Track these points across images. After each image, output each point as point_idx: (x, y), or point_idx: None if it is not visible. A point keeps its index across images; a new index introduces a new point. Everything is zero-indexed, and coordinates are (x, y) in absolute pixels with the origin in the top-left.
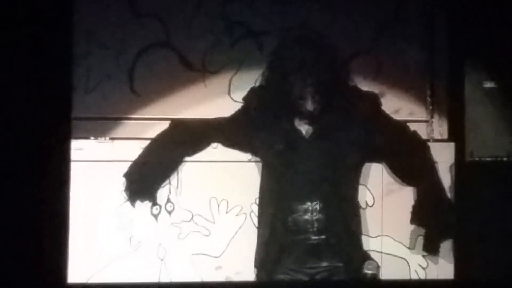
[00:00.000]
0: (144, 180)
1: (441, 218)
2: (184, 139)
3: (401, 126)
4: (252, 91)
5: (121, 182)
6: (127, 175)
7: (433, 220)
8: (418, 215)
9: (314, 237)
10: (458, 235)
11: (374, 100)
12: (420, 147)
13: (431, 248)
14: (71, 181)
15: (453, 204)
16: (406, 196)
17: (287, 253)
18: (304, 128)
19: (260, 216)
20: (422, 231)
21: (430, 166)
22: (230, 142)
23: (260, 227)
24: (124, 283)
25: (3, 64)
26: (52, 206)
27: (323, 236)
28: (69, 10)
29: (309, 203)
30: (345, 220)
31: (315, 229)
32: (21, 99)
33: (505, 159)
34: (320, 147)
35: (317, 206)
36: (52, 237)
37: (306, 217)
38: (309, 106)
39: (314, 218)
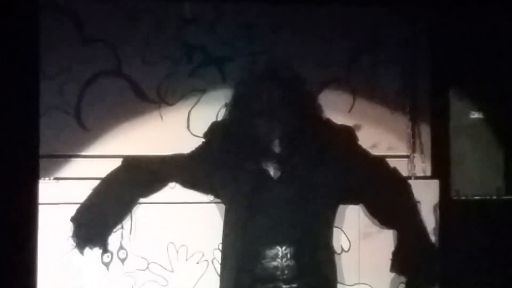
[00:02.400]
0: (94, 224)
1: (424, 265)
2: (138, 178)
3: (379, 162)
4: (214, 126)
5: (68, 227)
6: (75, 219)
7: (415, 268)
8: (399, 262)
9: (284, 286)
10: (443, 282)
11: (349, 136)
12: (400, 185)
13: None
14: None
15: (436, 249)
16: (385, 240)
17: None
18: (272, 169)
19: (224, 264)
20: (403, 279)
21: (411, 207)
22: (190, 182)
23: (223, 276)
24: None
25: None
26: None
27: (294, 285)
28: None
29: (278, 248)
30: (318, 266)
31: (285, 277)
32: None
33: (494, 197)
34: (289, 189)
35: (288, 251)
36: None
37: (276, 263)
38: (277, 149)
39: (285, 264)
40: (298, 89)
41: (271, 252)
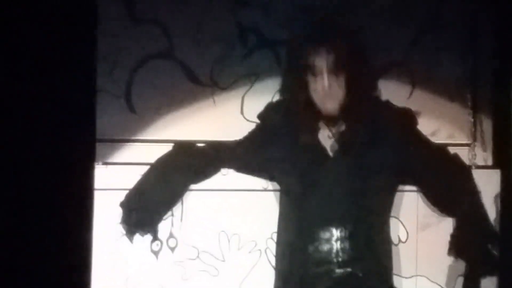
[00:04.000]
0: (144, 210)
1: (484, 250)
2: (189, 164)
3: (440, 148)
4: (269, 106)
5: (117, 214)
6: (124, 205)
7: (474, 252)
8: (457, 245)
9: (338, 270)
10: (503, 273)
11: (409, 117)
12: (461, 171)
13: None
14: None
15: (498, 235)
16: (445, 230)
17: None
18: (329, 144)
19: (278, 250)
20: (462, 270)
21: (472, 193)
22: (244, 166)
23: (277, 264)
24: None
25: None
26: None
27: (349, 269)
28: None
29: (333, 229)
30: (374, 251)
31: (339, 260)
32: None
33: None
34: (347, 166)
35: (343, 233)
36: None
37: (330, 245)
38: (334, 124)
39: (339, 247)
40: (357, 41)
41: (325, 234)
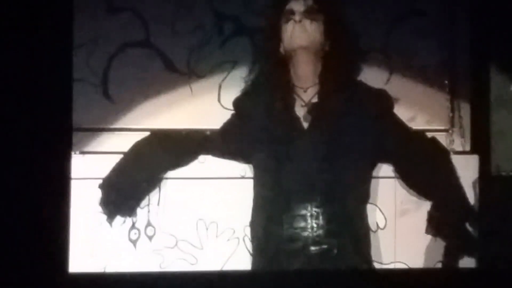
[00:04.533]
0: (122, 192)
1: (463, 228)
2: (166, 150)
3: (418, 132)
4: (244, 92)
5: (93, 203)
6: (103, 186)
7: (453, 230)
8: (436, 223)
9: (313, 247)
10: (481, 258)
11: (386, 98)
12: (440, 155)
13: None
14: None
15: (476, 214)
16: (423, 217)
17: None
18: (303, 115)
19: (252, 228)
20: (440, 256)
21: (452, 176)
22: (221, 153)
23: (253, 242)
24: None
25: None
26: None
27: (324, 246)
28: None
29: (308, 205)
30: (352, 230)
31: (315, 236)
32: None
33: None
34: (321, 140)
35: (318, 210)
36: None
37: (304, 223)
38: (308, 96)
39: (314, 224)
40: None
41: (300, 210)
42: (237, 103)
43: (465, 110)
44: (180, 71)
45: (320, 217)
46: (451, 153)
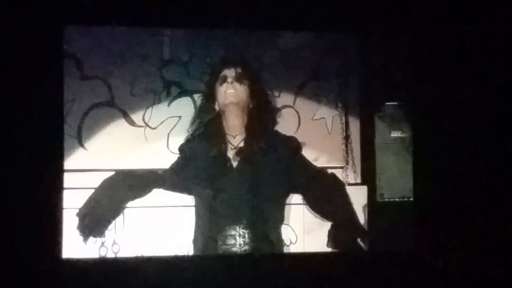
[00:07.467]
0: (94, 218)
1: (355, 243)
2: (128, 185)
3: (321, 169)
4: (187, 140)
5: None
6: (79, 214)
7: (347, 244)
8: (334, 239)
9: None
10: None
11: (295, 143)
12: (338, 186)
13: None
14: None
15: (366, 232)
16: (325, 234)
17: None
18: (232, 157)
19: (195, 247)
20: None
21: (346, 201)
22: (170, 187)
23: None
24: (120, 258)
25: None
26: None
27: (246, 248)
28: None
29: (237, 227)
30: (271, 244)
31: (242, 251)
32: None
33: (411, 199)
34: (246, 177)
35: (245, 230)
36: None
37: (234, 240)
38: (236, 142)
39: (241, 241)
40: (256, 77)
41: (231, 231)
42: (181, 148)
43: (356, 151)
44: (137, 124)
45: (246, 236)
46: (346, 184)
